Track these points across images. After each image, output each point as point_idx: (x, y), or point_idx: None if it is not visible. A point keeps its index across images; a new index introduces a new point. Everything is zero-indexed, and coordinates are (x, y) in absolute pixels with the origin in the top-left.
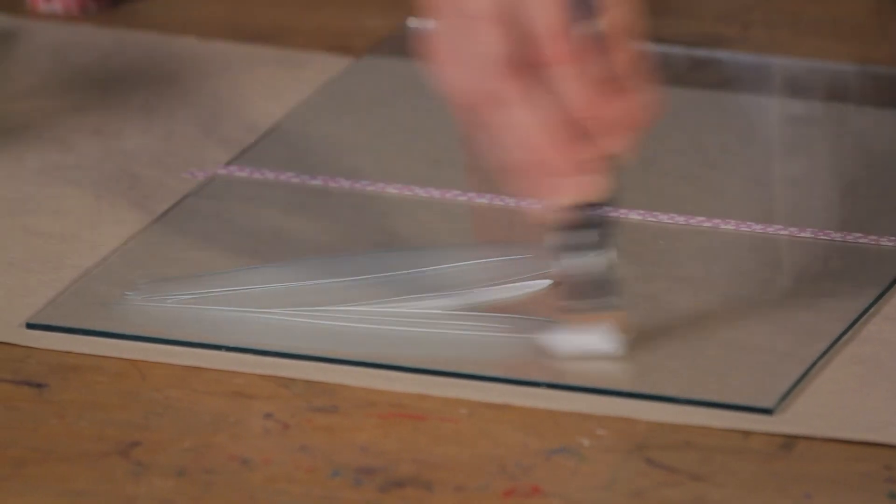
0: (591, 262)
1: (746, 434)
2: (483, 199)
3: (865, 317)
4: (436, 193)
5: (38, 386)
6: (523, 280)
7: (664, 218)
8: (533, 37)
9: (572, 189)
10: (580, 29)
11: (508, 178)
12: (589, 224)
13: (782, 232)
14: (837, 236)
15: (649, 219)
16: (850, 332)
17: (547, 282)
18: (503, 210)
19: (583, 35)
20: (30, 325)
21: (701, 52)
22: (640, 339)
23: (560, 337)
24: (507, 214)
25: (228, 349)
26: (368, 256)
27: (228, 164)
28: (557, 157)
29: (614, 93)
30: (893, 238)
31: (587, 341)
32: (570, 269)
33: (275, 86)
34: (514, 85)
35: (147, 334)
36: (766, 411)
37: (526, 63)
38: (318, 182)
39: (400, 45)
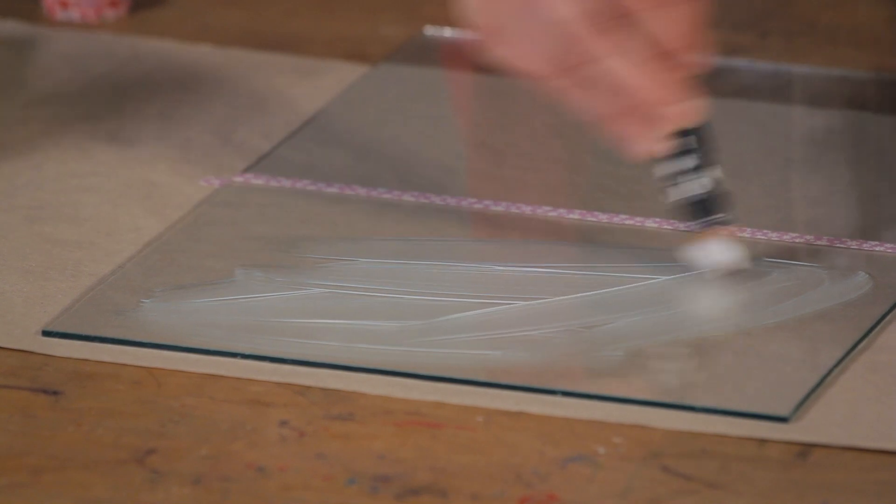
0: (696, 185)
1: (762, 442)
2: (499, 207)
3: (882, 325)
4: (452, 201)
5: (55, 393)
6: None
7: (680, 226)
8: None
9: (676, 116)
10: None
11: (609, 129)
12: (687, 150)
13: (798, 240)
14: (854, 244)
15: (665, 226)
16: (866, 341)
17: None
18: (515, 217)
19: None
20: (46, 333)
21: (718, 61)
22: (655, 347)
23: (694, 254)
24: (514, 220)
25: (245, 357)
26: (381, 265)
27: (245, 171)
28: (656, 91)
29: (687, 14)
30: None
31: (715, 256)
32: (680, 194)
33: (291, 93)
34: (593, 43)
35: (163, 342)
36: (781, 419)
37: (604, 14)
38: (334, 190)
39: (416, 52)
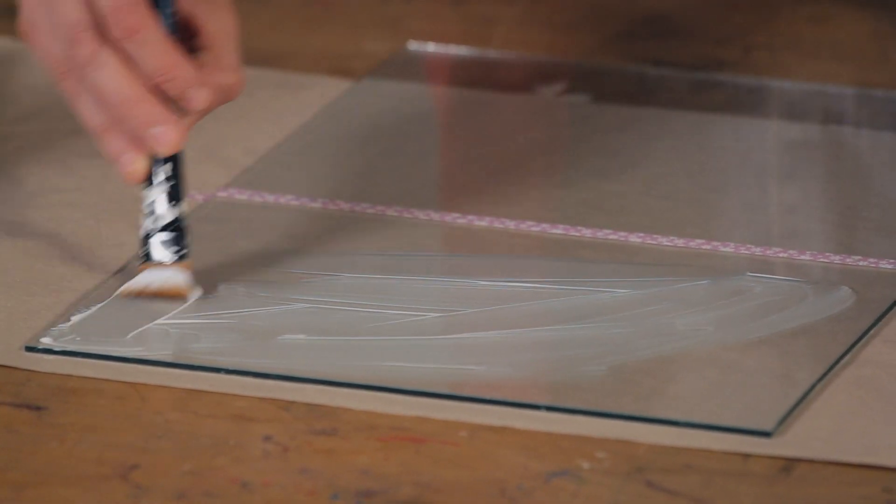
0: (156, 214)
1: (746, 457)
2: (483, 222)
3: (865, 339)
4: (435, 216)
5: (38, 409)
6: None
7: (664, 241)
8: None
9: (155, 140)
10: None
11: (100, 143)
12: (165, 178)
13: (781, 255)
14: (836, 259)
15: (649, 241)
16: (849, 355)
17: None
18: (503, 232)
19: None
20: (29, 349)
21: (702, 75)
22: (638, 361)
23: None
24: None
25: (228, 372)
26: (366, 278)
27: (228, 186)
28: (137, 110)
29: (188, 60)
30: (893, 261)
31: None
32: (146, 224)
33: (275, 108)
34: (94, 49)
35: (147, 357)
36: (765, 434)
37: (109, 27)
38: (317, 205)
39: (399, 67)
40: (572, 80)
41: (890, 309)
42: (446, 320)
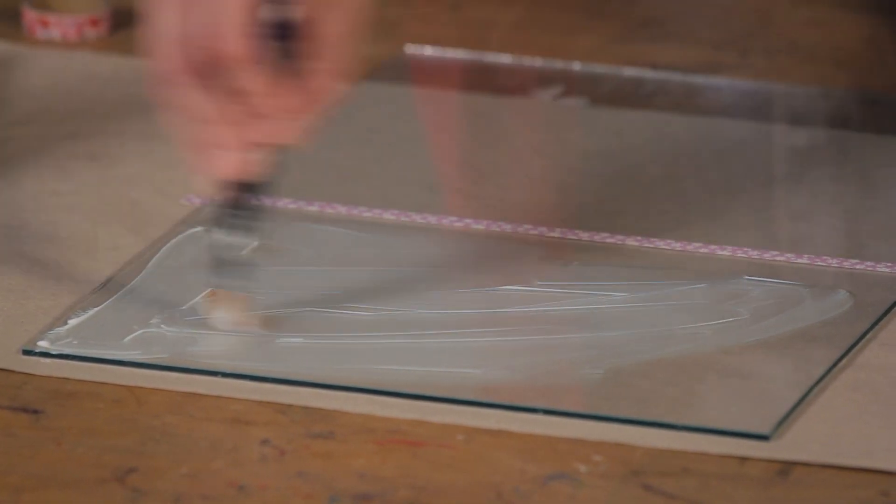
0: (231, 242)
1: (743, 460)
2: (480, 226)
3: (862, 343)
4: (432, 219)
5: (35, 412)
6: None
7: (661, 244)
8: (211, 29)
9: (234, 164)
10: (266, 13)
11: (185, 154)
12: (241, 206)
13: (779, 258)
14: (834, 262)
15: (646, 245)
16: (846, 359)
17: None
18: (500, 236)
19: (265, 23)
20: (26, 352)
21: (699, 79)
22: (636, 365)
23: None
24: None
25: (225, 375)
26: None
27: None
28: (223, 132)
29: (290, 84)
30: (890, 264)
31: (215, 318)
32: (215, 243)
33: None
34: (188, 68)
35: (144, 360)
36: (762, 437)
37: (203, 49)
38: (314, 208)
39: (397, 71)
40: (569, 84)
41: (887, 312)
42: (444, 323)
